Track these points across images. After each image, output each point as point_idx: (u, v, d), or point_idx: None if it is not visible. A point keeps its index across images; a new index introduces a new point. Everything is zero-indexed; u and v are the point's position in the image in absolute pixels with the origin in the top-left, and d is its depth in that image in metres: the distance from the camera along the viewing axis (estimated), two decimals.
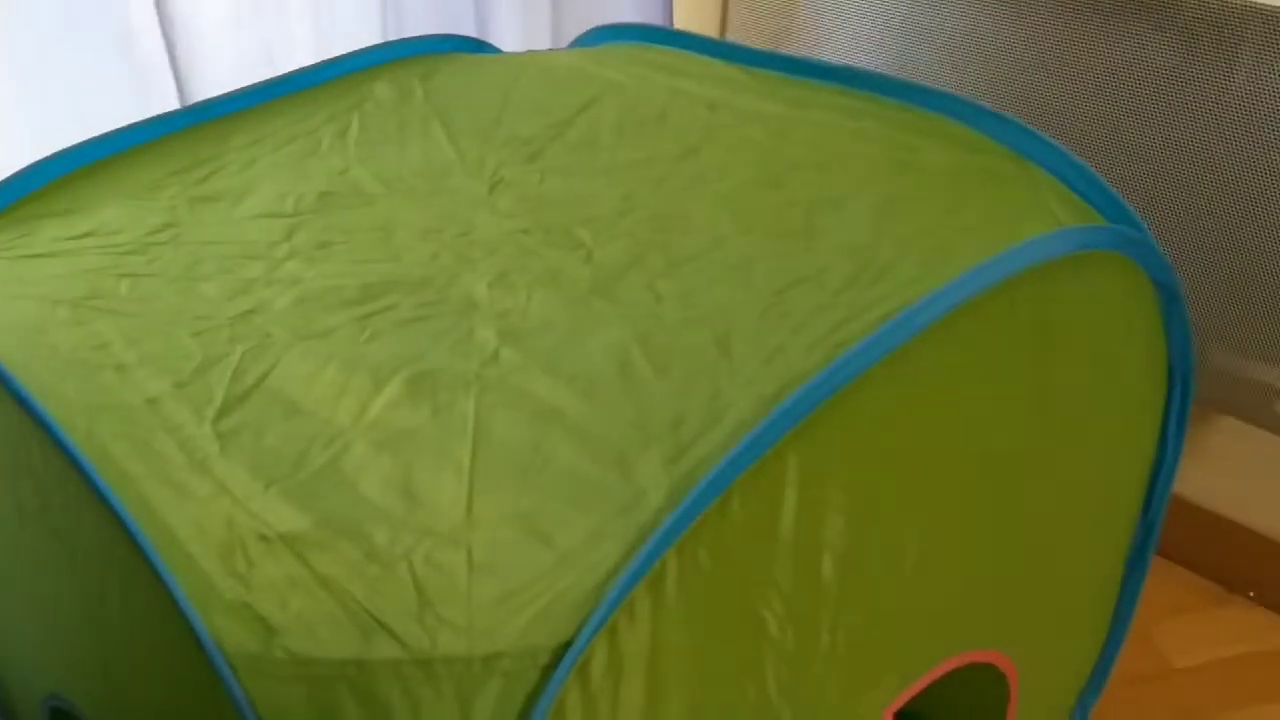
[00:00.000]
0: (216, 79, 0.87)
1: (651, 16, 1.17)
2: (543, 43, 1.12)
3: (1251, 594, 1.10)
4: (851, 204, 0.69)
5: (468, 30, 1.05)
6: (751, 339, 0.56)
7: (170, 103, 0.86)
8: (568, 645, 0.40)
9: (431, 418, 0.51)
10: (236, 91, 0.81)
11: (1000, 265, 0.58)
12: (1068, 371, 0.67)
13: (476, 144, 0.79)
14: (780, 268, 0.63)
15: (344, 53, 0.87)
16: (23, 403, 0.46)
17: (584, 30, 0.98)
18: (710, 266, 0.64)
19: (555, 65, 0.91)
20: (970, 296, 0.55)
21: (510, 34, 1.08)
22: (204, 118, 0.78)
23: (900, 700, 0.57)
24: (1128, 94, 1.00)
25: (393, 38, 0.99)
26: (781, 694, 0.47)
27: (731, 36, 1.24)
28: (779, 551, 0.47)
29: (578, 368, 0.55)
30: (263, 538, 0.44)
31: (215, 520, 0.44)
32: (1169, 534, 0.84)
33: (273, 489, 0.46)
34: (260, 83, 0.82)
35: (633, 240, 0.68)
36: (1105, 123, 1.03)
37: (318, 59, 0.86)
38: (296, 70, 0.84)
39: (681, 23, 1.22)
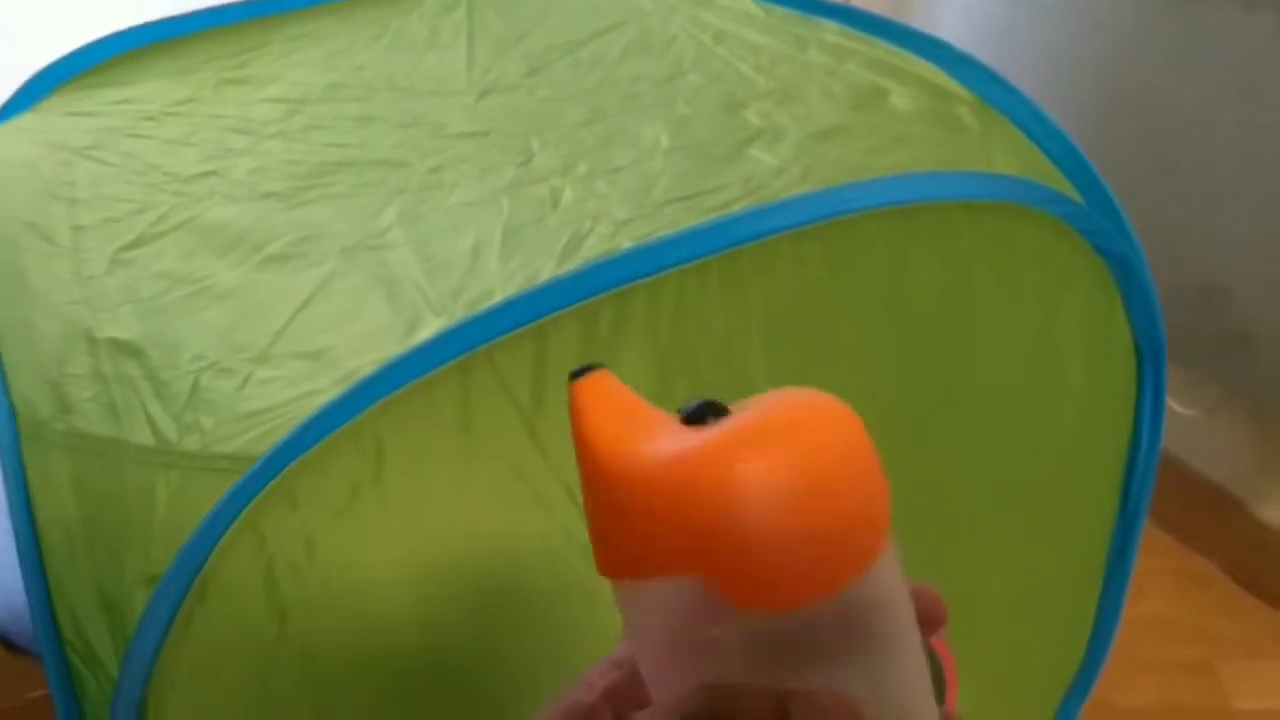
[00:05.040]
0: None
1: None
2: None
3: None
4: (791, 136, 0.69)
5: None
6: (601, 242, 0.59)
7: None
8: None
9: (290, 274, 0.58)
10: None
11: (853, 194, 0.57)
12: (990, 327, 0.65)
13: (490, 56, 0.85)
14: (680, 184, 0.65)
15: None
16: None
17: None
18: (621, 179, 0.67)
19: None
20: (803, 222, 0.56)
21: None
22: (262, 12, 0.88)
23: None
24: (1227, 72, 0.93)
25: None
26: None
27: None
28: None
29: (441, 250, 0.60)
30: (92, 338, 0.52)
31: (66, 319, 0.53)
32: (1264, 570, 0.77)
33: (126, 306, 0.55)
34: None
35: (573, 151, 0.71)
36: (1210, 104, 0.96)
37: None
38: None
39: None
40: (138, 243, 0.60)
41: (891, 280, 0.63)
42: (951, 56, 0.77)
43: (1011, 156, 0.70)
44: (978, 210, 0.64)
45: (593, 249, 0.59)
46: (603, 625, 0.56)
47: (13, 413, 0.49)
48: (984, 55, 0.74)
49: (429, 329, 0.52)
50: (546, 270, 0.57)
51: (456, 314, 0.54)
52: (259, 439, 0.47)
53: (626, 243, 0.59)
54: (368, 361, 0.50)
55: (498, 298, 0.55)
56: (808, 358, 0.60)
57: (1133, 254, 0.67)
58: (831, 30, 0.83)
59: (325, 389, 0.49)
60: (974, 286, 0.65)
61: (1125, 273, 0.67)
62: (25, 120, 0.77)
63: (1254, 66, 0.89)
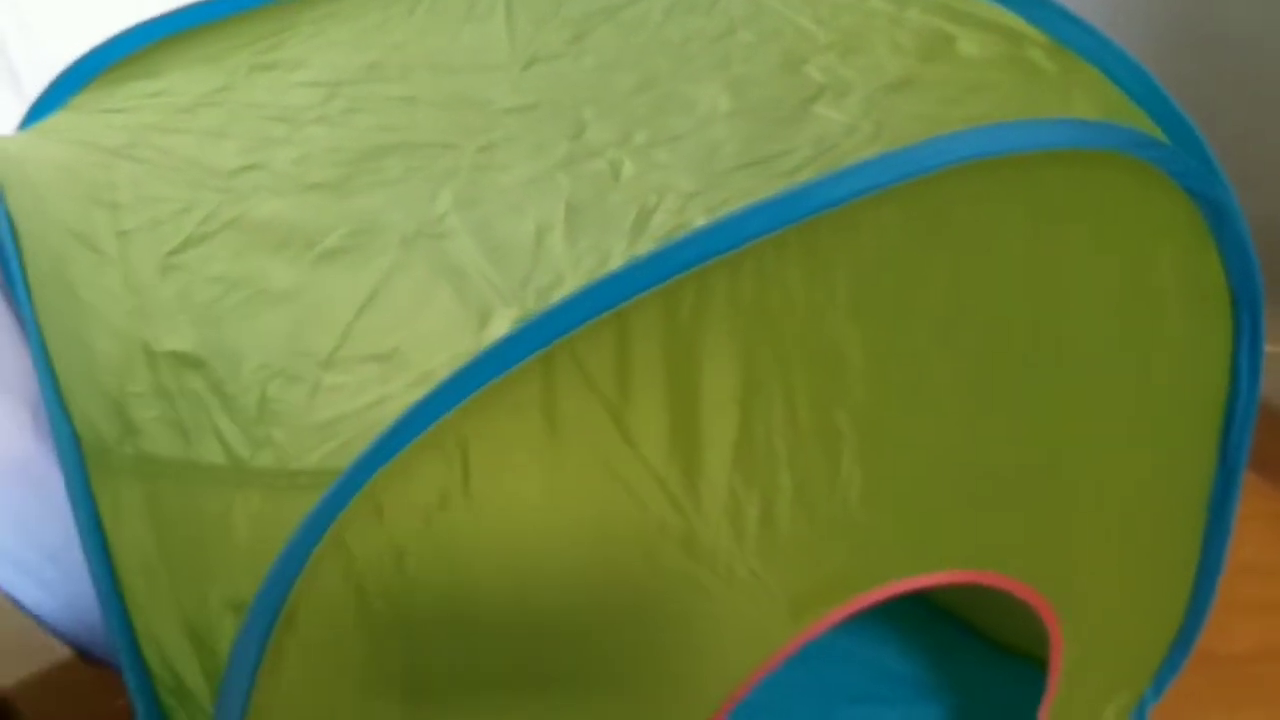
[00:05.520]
0: None
1: None
2: None
3: None
4: (855, 91, 0.66)
5: None
6: (672, 215, 0.56)
7: None
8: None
9: (348, 269, 0.55)
10: None
11: (933, 150, 0.53)
12: (1081, 281, 0.62)
13: (531, 26, 0.81)
14: (746, 149, 0.61)
15: None
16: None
17: None
18: (683, 147, 0.64)
19: None
20: (890, 183, 0.52)
21: None
22: None
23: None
24: None
25: None
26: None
27: None
28: (641, 422, 0.47)
29: (503, 235, 0.57)
30: (151, 352, 0.50)
31: (122, 333, 0.51)
32: None
33: (182, 314, 0.52)
34: None
35: (628, 120, 0.68)
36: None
37: None
38: None
39: None
40: (186, 245, 0.58)
41: (978, 237, 0.59)
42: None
43: (1092, 99, 0.66)
44: (1063, 159, 0.60)
45: (662, 224, 0.56)
46: (701, 614, 0.54)
47: (76, 438, 0.47)
48: None
49: (502, 322, 0.49)
50: (617, 250, 0.54)
51: (528, 303, 0.51)
52: (337, 451, 0.45)
53: (697, 215, 0.56)
54: (441, 362, 0.47)
55: (569, 283, 0.52)
56: (898, 324, 0.57)
57: (1225, 196, 0.63)
58: None
59: (399, 393, 0.47)
60: (1063, 239, 0.61)
61: (1218, 216, 0.63)
62: (58, 120, 0.74)
63: None
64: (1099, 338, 0.64)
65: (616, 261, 0.52)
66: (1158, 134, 0.66)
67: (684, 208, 0.57)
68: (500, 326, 0.49)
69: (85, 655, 0.64)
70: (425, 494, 0.44)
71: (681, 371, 0.50)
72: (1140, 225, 0.63)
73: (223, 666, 0.42)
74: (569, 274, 0.52)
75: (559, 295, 0.51)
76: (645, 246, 0.54)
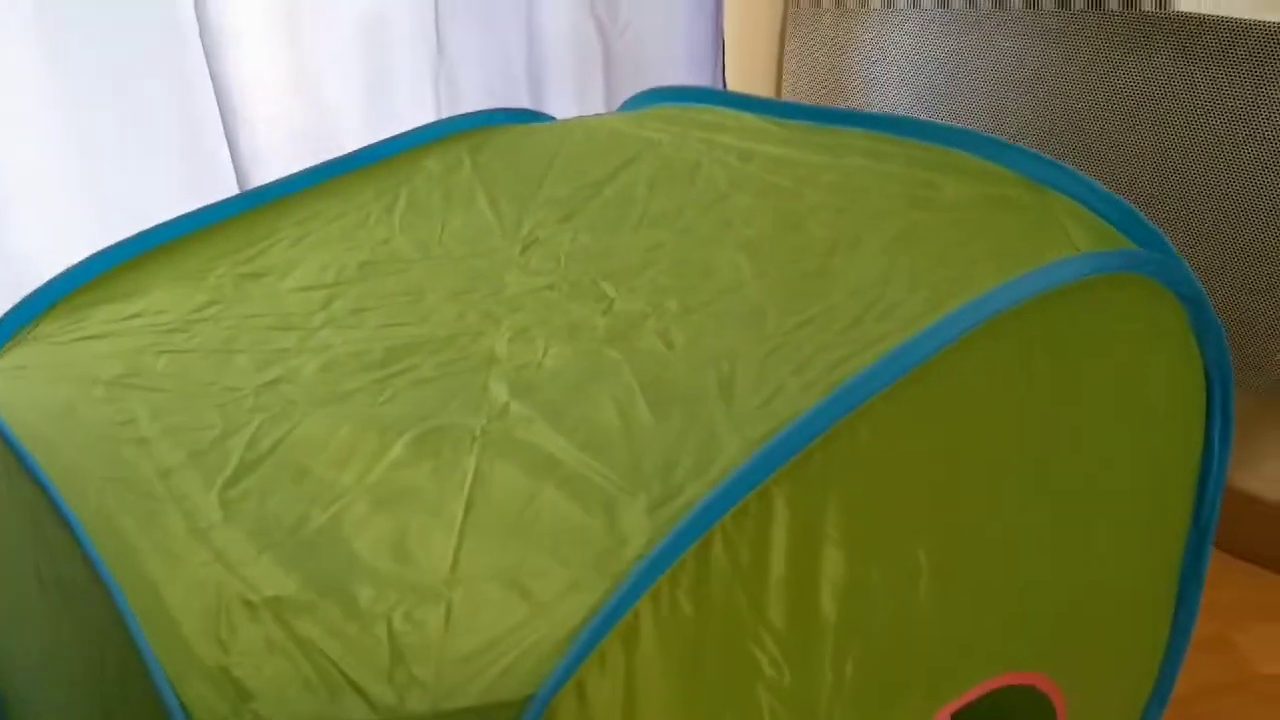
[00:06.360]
0: (273, 170, 0.92)
1: (703, 80, 1.18)
2: (596, 108, 1.14)
3: None
4: (867, 243, 0.68)
5: (522, 100, 1.08)
6: (754, 381, 0.55)
7: (229, 190, 0.90)
8: (532, 699, 0.39)
9: (432, 475, 0.51)
10: (291, 175, 0.84)
11: (1004, 294, 0.56)
12: (1094, 389, 0.65)
13: (515, 208, 0.81)
14: (791, 309, 0.62)
15: (398, 133, 0.91)
16: (36, 479, 0.49)
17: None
18: (724, 311, 0.63)
19: (598, 129, 0.92)
20: (970, 328, 0.53)
21: (564, 100, 1.10)
22: (258, 202, 0.82)
23: None
24: (1165, 116, 0.99)
25: (447, 114, 1.03)
26: None
27: (787, 94, 1.25)
28: (770, 590, 0.45)
29: (580, 417, 0.55)
30: (247, 602, 0.44)
31: (206, 587, 0.45)
32: (1253, 537, 0.79)
33: (266, 553, 0.47)
34: (314, 166, 0.86)
35: (653, 289, 0.67)
36: (1145, 143, 1.02)
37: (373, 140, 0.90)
38: (349, 152, 0.88)
39: (735, 85, 1.22)
40: (240, 475, 0.52)
41: (1020, 372, 0.60)
42: (979, 141, 0.78)
43: (1080, 226, 0.70)
44: (1084, 288, 0.63)
45: (749, 389, 0.54)
46: None
47: (187, 715, 0.40)
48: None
49: (631, 514, 0.46)
50: (720, 421, 0.52)
51: (654, 491, 0.48)
52: (496, 683, 0.40)
53: (786, 377, 0.55)
54: (580, 595, 0.43)
55: (681, 469, 0.49)
56: (965, 470, 0.57)
57: (1202, 294, 0.67)
58: (856, 134, 0.82)
59: (542, 618, 0.42)
60: (1082, 364, 0.64)
61: (1199, 311, 0.68)
62: (23, 354, 0.68)
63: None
64: (1111, 444, 0.68)
65: (726, 437, 0.50)
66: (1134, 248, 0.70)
67: (762, 372, 0.56)
68: (632, 518, 0.46)
69: None
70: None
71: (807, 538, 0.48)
72: (1139, 331, 0.67)
73: None
74: (681, 455, 0.50)
75: (682, 480, 0.48)
76: (746, 417, 0.52)
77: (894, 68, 1.17)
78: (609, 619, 0.40)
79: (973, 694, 0.60)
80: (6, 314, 0.71)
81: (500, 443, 0.53)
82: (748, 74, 1.24)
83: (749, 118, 0.86)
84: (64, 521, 0.47)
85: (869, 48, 1.19)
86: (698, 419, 0.52)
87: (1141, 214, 0.72)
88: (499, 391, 0.58)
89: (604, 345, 0.62)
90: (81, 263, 0.72)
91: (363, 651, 0.42)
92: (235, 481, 0.52)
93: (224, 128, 0.89)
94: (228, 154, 0.89)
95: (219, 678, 0.41)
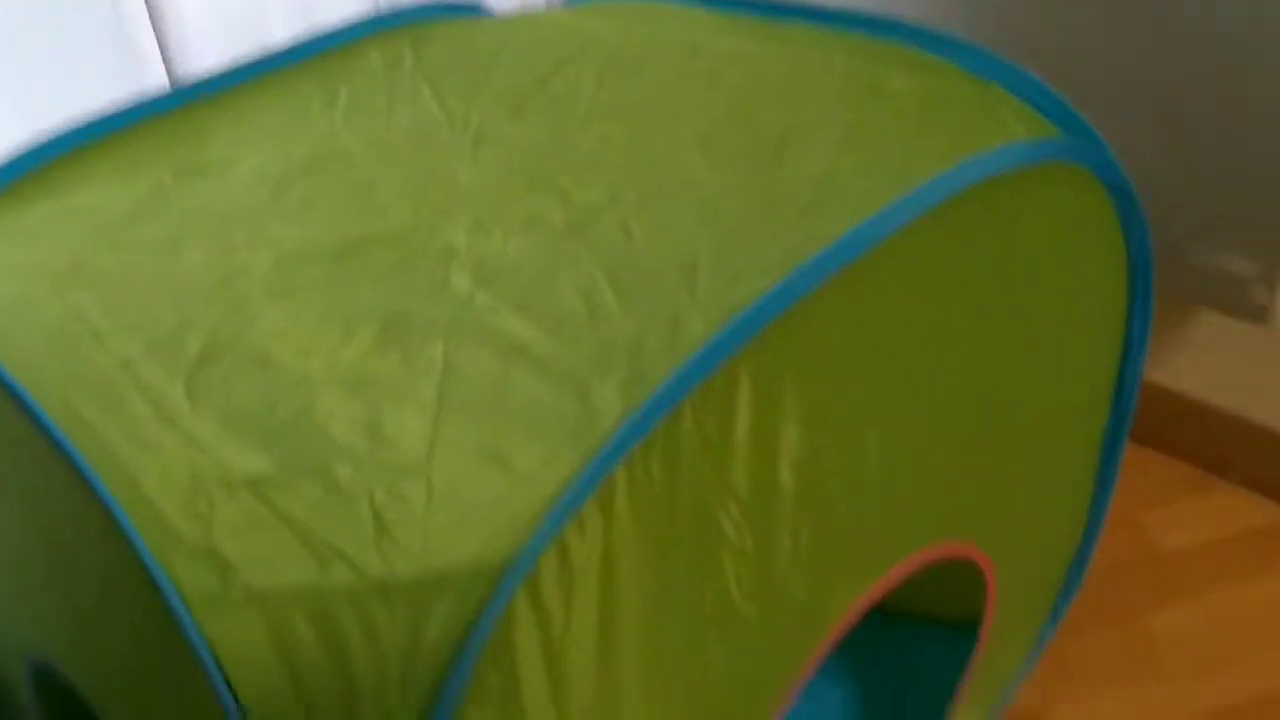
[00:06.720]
0: (205, 62, 0.88)
1: None
2: (537, 3, 1.11)
3: (1234, 476, 1.15)
4: (817, 134, 0.69)
5: None
6: (713, 267, 0.56)
7: (157, 82, 0.87)
8: (519, 559, 0.40)
9: (401, 362, 0.52)
10: (225, 69, 0.82)
11: (951, 179, 0.58)
12: (1029, 277, 0.68)
13: (462, 104, 0.79)
14: (746, 198, 0.63)
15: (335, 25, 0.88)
16: None
17: None
18: (681, 202, 0.64)
19: (542, 24, 0.91)
20: (921, 211, 0.55)
21: None
22: (193, 95, 0.79)
23: (872, 593, 0.58)
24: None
25: (385, 6, 1.00)
26: (743, 594, 0.48)
27: None
28: (734, 461, 0.47)
29: (546, 305, 0.55)
30: (225, 482, 0.44)
31: (180, 469, 0.45)
32: (1153, 423, 0.85)
33: (239, 438, 0.47)
34: (249, 59, 0.83)
35: (609, 182, 0.68)
36: (1090, 38, 1.04)
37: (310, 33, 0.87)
38: (286, 45, 0.85)
39: None
40: (203, 363, 0.52)
41: (964, 258, 0.63)
42: (922, 35, 0.79)
43: (1019, 120, 0.72)
44: (1023, 177, 0.66)
45: (712, 276, 0.56)
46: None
47: (176, 589, 0.41)
48: None
49: (607, 405, 0.47)
50: (684, 307, 0.53)
51: (622, 372, 0.49)
52: (484, 547, 0.41)
53: (744, 263, 0.56)
54: (558, 466, 0.44)
55: (648, 350, 0.50)
56: (909, 345, 0.60)
57: (1130, 184, 0.71)
58: (800, 27, 0.82)
59: (522, 488, 0.44)
60: (1022, 249, 0.67)
61: (1125, 201, 0.72)
62: None
63: None
64: (1042, 329, 0.72)
65: (690, 319, 0.52)
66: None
67: (721, 258, 0.57)
68: (604, 396, 0.47)
69: None
70: (578, 579, 0.42)
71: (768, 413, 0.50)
72: (1073, 219, 0.71)
73: None
74: (648, 336, 0.51)
75: (651, 359, 0.49)
76: (709, 300, 0.53)
77: None
78: (588, 484, 0.42)
79: (909, 565, 0.64)
80: None
81: (468, 331, 0.54)
82: None
83: (694, 11, 0.86)
84: (30, 413, 0.46)
85: None
86: (662, 303, 0.54)
87: (1074, 108, 0.74)
88: (461, 282, 0.59)
89: (564, 237, 0.62)
90: (14, 157, 0.70)
91: (347, 524, 0.43)
92: (199, 370, 0.51)
93: (149, 16, 0.85)
94: (155, 44, 0.86)
95: (204, 553, 0.42)
